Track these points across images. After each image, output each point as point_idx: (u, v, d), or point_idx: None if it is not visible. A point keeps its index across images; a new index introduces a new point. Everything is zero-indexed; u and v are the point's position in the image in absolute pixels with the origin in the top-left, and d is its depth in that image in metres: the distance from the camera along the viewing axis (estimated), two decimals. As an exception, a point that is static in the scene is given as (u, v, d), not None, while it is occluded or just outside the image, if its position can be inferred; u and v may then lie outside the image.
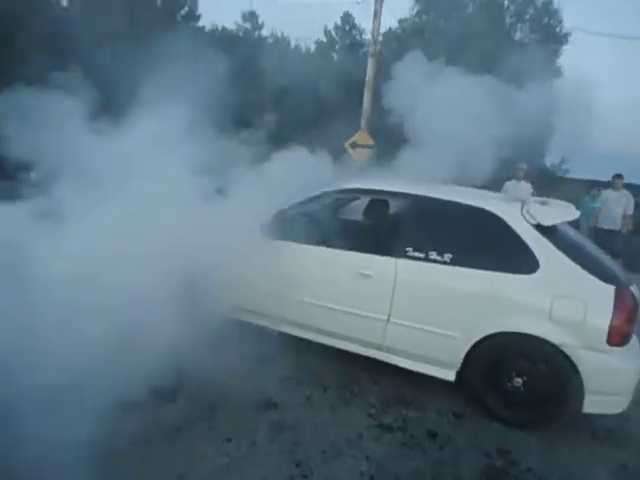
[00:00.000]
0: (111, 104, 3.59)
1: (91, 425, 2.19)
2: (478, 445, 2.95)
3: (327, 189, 3.76)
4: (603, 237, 7.79)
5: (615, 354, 2.92)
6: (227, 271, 3.11)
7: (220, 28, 20.83)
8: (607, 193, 8.45)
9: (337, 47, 18.48)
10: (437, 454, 2.83)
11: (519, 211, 3.28)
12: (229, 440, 2.68)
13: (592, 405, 2.97)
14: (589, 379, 2.91)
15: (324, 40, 19.68)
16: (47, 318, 2.52)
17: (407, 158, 4.55)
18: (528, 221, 3.20)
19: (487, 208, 3.30)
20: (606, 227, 8.11)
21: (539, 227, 3.18)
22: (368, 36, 13.82)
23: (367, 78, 11.09)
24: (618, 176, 8.35)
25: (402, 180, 3.81)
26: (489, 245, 3.27)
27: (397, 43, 15.86)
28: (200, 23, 20.44)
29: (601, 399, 2.97)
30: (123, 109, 3.35)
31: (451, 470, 2.70)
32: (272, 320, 3.65)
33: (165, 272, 2.88)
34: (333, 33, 19.47)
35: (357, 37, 19.46)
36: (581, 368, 2.92)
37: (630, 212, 8.11)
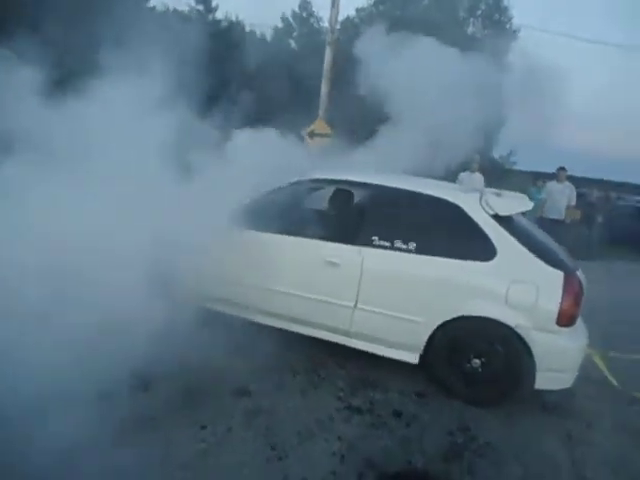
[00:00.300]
0: (53, 78, 3.42)
1: (63, 416, 2.17)
2: (440, 423, 3.13)
3: (296, 179, 3.80)
4: (548, 227, 8.26)
5: (564, 334, 3.17)
6: (198, 261, 3.11)
7: (172, 9, 20.10)
8: (551, 185, 8.97)
9: (295, 34, 18.36)
10: (403, 432, 2.99)
11: (478, 202, 3.47)
12: (204, 427, 2.72)
13: (543, 381, 3.22)
14: (541, 357, 3.16)
15: (281, 27, 19.44)
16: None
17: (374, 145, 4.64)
18: (487, 211, 3.39)
19: (449, 199, 3.46)
20: (551, 217, 8.62)
21: (496, 217, 3.38)
22: (326, 24, 13.81)
23: (325, 66, 11.10)
24: (562, 169, 8.88)
25: (368, 171, 3.91)
26: (451, 234, 3.43)
27: (354, 32, 15.92)
28: (151, 3, 19.65)
29: (551, 376, 3.22)
30: (62, 84, 3.22)
31: (417, 447, 2.86)
32: (243, 309, 3.68)
33: (132, 258, 2.84)
34: (291, 20, 19.29)
35: (315, 25, 19.41)
36: (533, 348, 3.15)
37: (573, 203, 8.67)
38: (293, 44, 16.93)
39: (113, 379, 2.57)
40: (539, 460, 2.89)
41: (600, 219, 10.37)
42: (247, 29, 19.96)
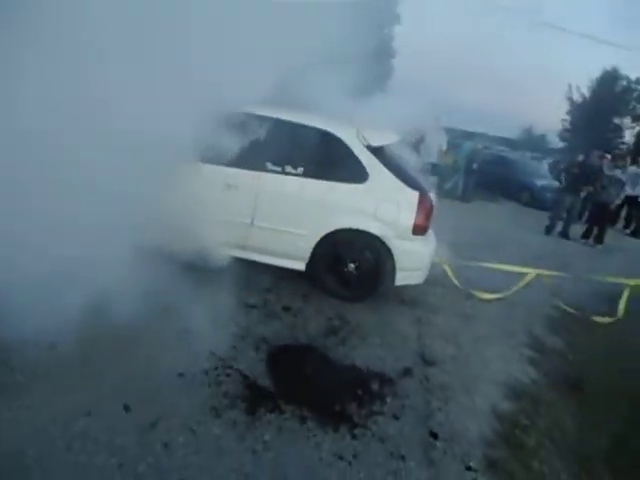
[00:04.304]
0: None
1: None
2: (322, 313, 3.89)
3: None
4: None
5: (417, 241, 4.04)
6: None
7: None
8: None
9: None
10: (291, 320, 3.69)
11: (355, 134, 4.11)
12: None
13: (402, 279, 4.10)
14: (400, 259, 4.00)
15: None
16: None
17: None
18: (362, 142, 4.05)
19: (332, 131, 4.06)
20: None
21: (370, 147, 4.06)
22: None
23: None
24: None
25: (262, 105, 4.30)
26: (332, 161, 4.07)
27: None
28: None
29: (408, 274, 4.11)
30: None
31: (302, 329, 3.58)
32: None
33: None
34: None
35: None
36: (395, 252, 3.98)
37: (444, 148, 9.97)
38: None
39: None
40: (393, 334, 3.78)
41: (475, 166, 11.66)
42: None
